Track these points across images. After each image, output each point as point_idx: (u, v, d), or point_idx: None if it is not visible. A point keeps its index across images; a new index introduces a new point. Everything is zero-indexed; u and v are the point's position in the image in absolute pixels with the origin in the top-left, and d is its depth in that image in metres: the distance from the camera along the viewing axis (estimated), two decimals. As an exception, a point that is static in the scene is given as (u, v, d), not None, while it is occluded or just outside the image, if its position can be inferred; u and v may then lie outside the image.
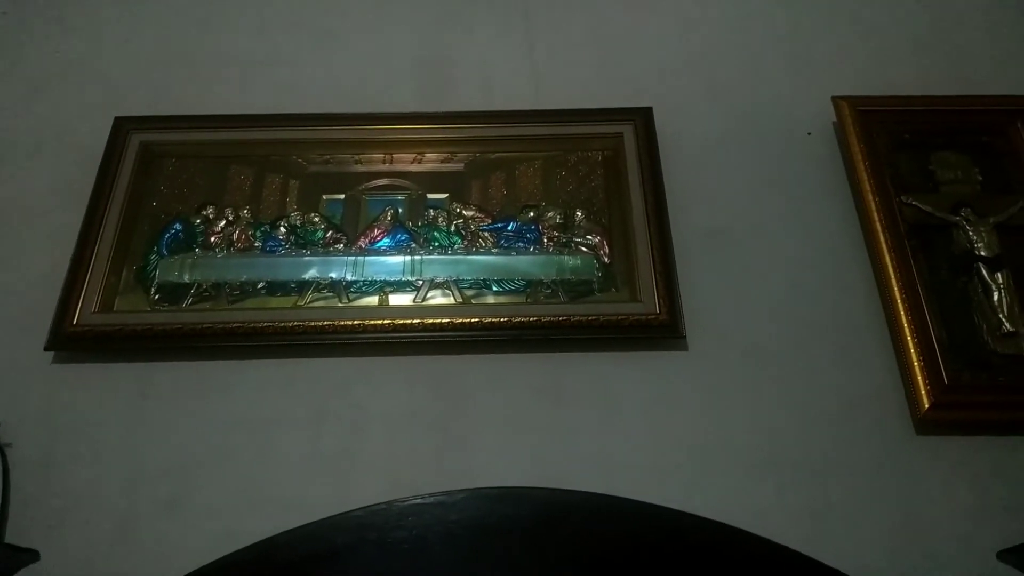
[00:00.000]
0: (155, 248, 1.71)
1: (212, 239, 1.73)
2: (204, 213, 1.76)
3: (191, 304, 1.63)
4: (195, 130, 1.86)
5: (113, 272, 1.66)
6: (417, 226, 1.75)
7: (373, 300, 1.64)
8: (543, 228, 1.74)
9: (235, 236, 1.73)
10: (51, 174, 1.81)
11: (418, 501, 1.23)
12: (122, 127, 1.83)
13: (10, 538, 1.36)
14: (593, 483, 1.35)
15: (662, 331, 1.58)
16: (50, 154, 1.85)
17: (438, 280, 1.66)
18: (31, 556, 1.21)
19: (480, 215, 1.77)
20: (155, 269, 1.68)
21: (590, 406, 1.53)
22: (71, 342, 1.57)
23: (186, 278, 1.66)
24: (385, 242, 1.73)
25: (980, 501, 1.42)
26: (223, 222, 1.75)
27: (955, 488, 1.44)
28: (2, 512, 1.39)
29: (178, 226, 1.74)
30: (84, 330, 1.57)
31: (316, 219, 1.76)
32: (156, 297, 1.64)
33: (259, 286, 1.66)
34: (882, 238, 1.64)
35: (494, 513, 1.18)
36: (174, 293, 1.64)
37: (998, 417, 1.49)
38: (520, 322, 1.59)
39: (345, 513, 1.22)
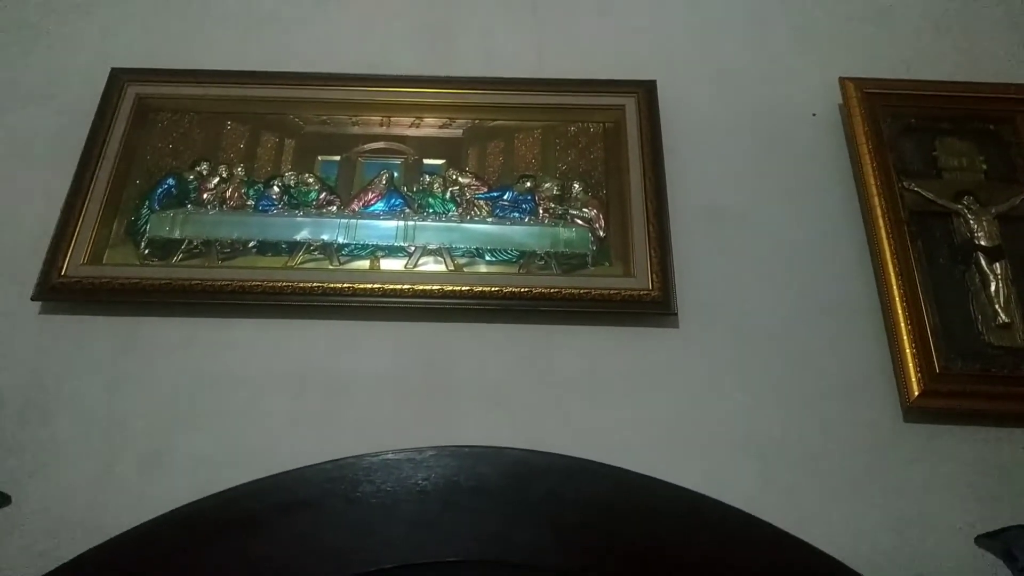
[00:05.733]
0: (147, 202, 1.69)
1: (205, 196, 1.71)
2: (198, 169, 1.74)
3: (181, 260, 1.62)
4: (192, 84, 1.83)
5: (104, 224, 1.64)
6: (412, 191, 1.73)
7: (364, 264, 1.62)
8: (539, 199, 1.72)
9: (228, 194, 1.72)
10: (45, 123, 1.79)
11: (389, 457, 1.22)
12: (118, 78, 1.81)
13: (-11, 484, 1.36)
14: (574, 453, 1.34)
15: (654, 307, 1.56)
16: (44, 103, 1.82)
17: (431, 247, 1.64)
18: (3, 500, 1.21)
19: (476, 183, 1.74)
20: (146, 223, 1.66)
21: (576, 378, 1.52)
22: (58, 293, 1.56)
23: (177, 234, 1.65)
24: (379, 206, 1.71)
25: (963, 490, 1.41)
26: (216, 179, 1.73)
27: (939, 476, 1.43)
28: (-18, 458, 1.39)
29: (171, 181, 1.72)
30: (72, 282, 1.56)
31: (310, 180, 1.74)
32: (146, 252, 1.62)
33: (250, 245, 1.64)
34: (881, 223, 1.62)
35: (464, 470, 1.18)
36: (164, 248, 1.63)
37: (987, 407, 1.47)
38: (511, 292, 1.57)
39: (313, 466, 1.21)
